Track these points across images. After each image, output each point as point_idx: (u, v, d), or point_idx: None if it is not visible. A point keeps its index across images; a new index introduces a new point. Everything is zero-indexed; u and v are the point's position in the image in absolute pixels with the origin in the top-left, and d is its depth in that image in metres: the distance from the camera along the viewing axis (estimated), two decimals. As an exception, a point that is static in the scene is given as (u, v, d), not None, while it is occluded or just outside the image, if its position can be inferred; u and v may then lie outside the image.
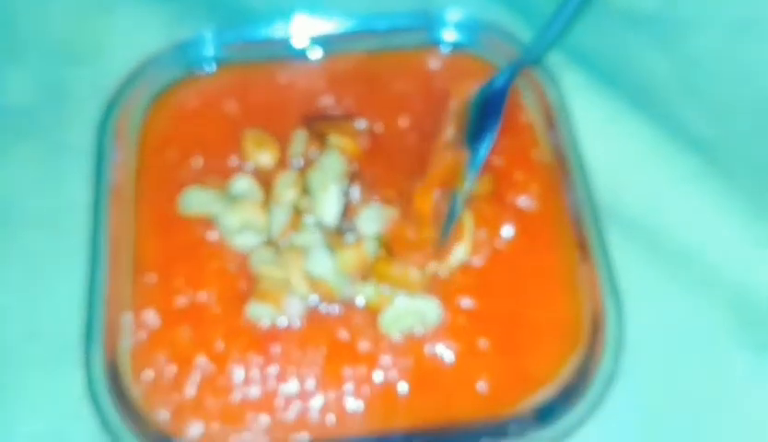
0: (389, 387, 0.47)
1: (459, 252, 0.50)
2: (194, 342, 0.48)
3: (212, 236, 0.51)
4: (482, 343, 0.48)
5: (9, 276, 0.51)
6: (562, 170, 0.52)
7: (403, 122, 0.54)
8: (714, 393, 0.48)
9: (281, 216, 0.50)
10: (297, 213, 0.51)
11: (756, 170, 0.55)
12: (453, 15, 0.57)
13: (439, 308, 0.48)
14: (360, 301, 0.49)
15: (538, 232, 0.51)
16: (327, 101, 0.55)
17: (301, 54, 0.57)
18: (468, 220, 0.50)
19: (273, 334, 0.48)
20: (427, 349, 0.48)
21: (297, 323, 0.48)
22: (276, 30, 0.57)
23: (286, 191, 0.51)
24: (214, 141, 0.54)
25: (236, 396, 0.46)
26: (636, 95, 0.57)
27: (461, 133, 0.53)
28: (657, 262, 0.52)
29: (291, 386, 0.47)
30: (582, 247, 0.50)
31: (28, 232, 0.53)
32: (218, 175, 0.52)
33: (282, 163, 0.53)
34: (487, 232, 0.51)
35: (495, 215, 0.51)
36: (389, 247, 0.50)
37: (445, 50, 0.57)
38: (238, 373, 0.47)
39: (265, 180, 0.52)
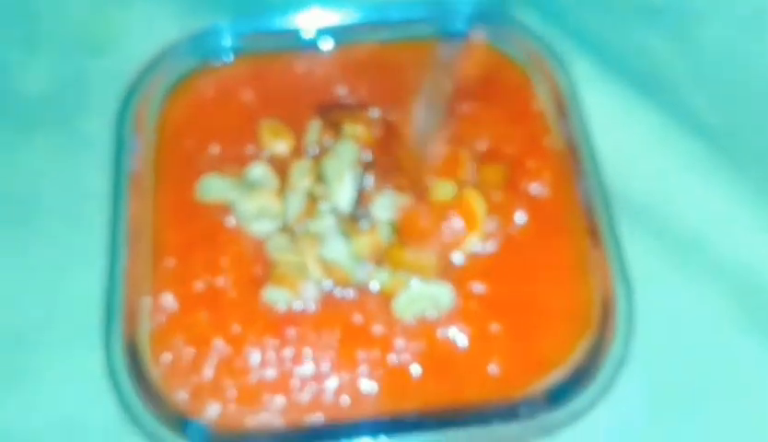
0: (402, 369, 0.47)
1: (472, 240, 0.51)
2: (212, 325, 0.48)
3: (229, 222, 0.51)
4: (494, 327, 0.49)
5: (31, 262, 0.52)
6: (573, 158, 0.53)
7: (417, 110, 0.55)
8: (722, 378, 0.49)
9: (296, 203, 0.51)
10: (312, 200, 0.51)
11: (765, 158, 0.55)
12: (466, 5, 0.58)
13: (452, 292, 0.49)
14: (374, 286, 0.50)
15: (549, 219, 0.52)
16: (341, 91, 0.56)
17: (316, 45, 0.58)
18: (480, 208, 0.51)
19: (289, 318, 0.49)
20: (440, 333, 0.48)
21: (313, 307, 0.49)
22: (292, 21, 0.57)
23: (301, 178, 0.52)
24: (230, 129, 0.54)
25: (252, 378, 0.47)
26: (647, 84, 0.57)
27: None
28: (667, 249, 0.52)
29: (306, 368, 0.47)
30: (593, 233, 0.50)
31: (49, 219, 0.54)
32: (235, 163, 0.53)
33: (297, 151, 0.54)
34: (499, 219, 0.51)
35: (508, 202, 0.52)
36: (403, 233, 0.51)
37: (458, 40, 0.58)
38: (254, 355, 0.48)
39: (281, 168, 0.53)
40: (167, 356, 0.48)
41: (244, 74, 0.57)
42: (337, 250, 0.49)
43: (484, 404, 0.47)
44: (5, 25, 0.61)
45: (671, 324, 0.50)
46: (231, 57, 0.57)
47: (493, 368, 0.48)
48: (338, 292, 0.49)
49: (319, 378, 0.47)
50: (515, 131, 0.54)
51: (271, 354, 0.48)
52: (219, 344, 0.48)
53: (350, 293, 0.49)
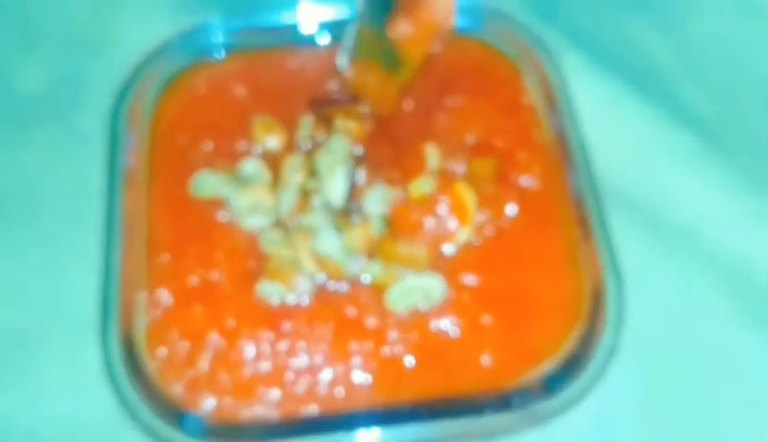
0: (395, 361, 0.48)
1: (463, 233, 0.51)
2: (207, 319, 0.49)
3: (222, 217, 0.52)
4: (486, 318, 0.49)
5: (27, 258, 0.53)
6: (563, 151, 0.53)
7: (407, 104, 0.55)
8: (712, 368, 0.49)
9: (289, 198, 0.51)
10: (305, 194, 0.52)
11: (755, 149, 0.56)
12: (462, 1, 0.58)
13: (444, 284, 0.49)
14: (366, 279, 0.50)
15: (540, 211, 0.52)
16: (333, 86, 0.56)
17: (308, 40, 0.58)
18: (470, 200, 0.51)
19: (283, 311, 0.49)
20: (432, 324, 0.49)
21: (306, 301, 0.49)
22: (284, 17, 0.58)
23: (294, 173, 0.52)
24: (223, 125, 0.55)
25: (247, 371, 0.48)
26: (637, 76, 0.58)
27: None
28: (658, 240, 0.53)
29: (301, 361, 0.48)
30: (583, 225, 0.51)
31: (45, 215, 0.54)
32: (228, 158, 0.53)
33: (289, 146, 0.54)
34: (490, 211, 0.52)
35: (498, 194, 0.52)
36: (395, 227, 0.51)
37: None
38: (249, 349, 0.48)
39: (273, 163, 0.53)
40: (162, 350, 0.48)
41: (236, 70, 0.57)
42: (330, 243, 0.50)
43: (477, 395, 0.47)
44: (2, 24, 0.61)
45: (662, 314, 0.50)
46: (223, 54, 0.58)
47: (485, 359, 0.48)
48: (331, 285, 0.50)
49: (313, 370, 0.48)
50: (505, 124, 0.54)
51: (265, 348, 0.48)
52: (214, 338, 0.48)
53: (343, 286, 0.50)
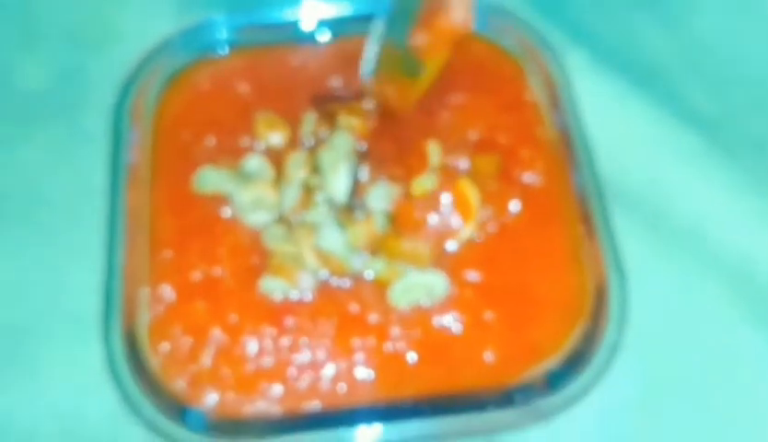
0: (397, 357, 0.48)
1: (467, 230, 0.51)
2: (209, 314, 0.49)
3: (225, 213, 0.52)
4: (489, 314, 0.49)
5: (30, 255, 0.53)
6: (567, 148, 0.53)
7: (410, 101, 0.55)
8: (714, 366, 0.49)
9: (292, 194, 0.51)
10: (308, 190, 0.52)
11: (758, 148, 0.56)
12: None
13: (446, 281, 0.49)
14: (369, 275, 0.50)
15: (543, 208, 0.52)
16: (336, 83, 0.57)
17: (311, 37, 0.58)
18: (474, 197, 0.51)
19: (286, 307, 0.49)
20: (435, 321, 0.49)
21: (309, 296, 0.49)
22: (287, 14, 0.58)
23: (297, 169, 0.52)
24: (226, 121, 0.55)
25: (250, 366, 0.48)
26: (640, 74, 0.58)
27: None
28: (660, 238, 0.53)
29: (303, 356, 0.48)
30: (586, 222, 0.51)
31: (47, 212, 0.54)
32: (231, 154, 0.53)
33: (292, 143, 0.54)
34: (494, 208, 0.52)
35: (502, 191, 0.52)
36: (398, 223, 0.51)
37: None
38: (251, 344, 0.48)
39: (276, 160, 0.53)
40: (165, 346, 0.48)
41: (240, 66, 0.57)
42: (333, 239, 0.50)
43: (480, 391, 0.47)
44: (3, 21, 0.61)
45: (664, 312, 0.50)
46: (227, 50, 0.58)
47: (488, 355, 0.48)
48: (334, 281, 0.50)
49: (315, 366, 0.48)
50: (508, 121, 0.54)
51: (268, 343, 0.48)
52: (217, 334, 0.49)
53: (346, 282, 0.50)
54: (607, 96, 0.57)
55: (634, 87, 0.58)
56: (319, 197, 0.51)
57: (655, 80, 0.58)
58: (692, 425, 0.48)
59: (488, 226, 0.51)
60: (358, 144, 0.53)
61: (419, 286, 0.49)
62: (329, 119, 0.54)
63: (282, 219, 0.51)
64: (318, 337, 0.48)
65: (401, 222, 0.51)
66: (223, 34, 0.57)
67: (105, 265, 0.50)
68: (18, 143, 0.57)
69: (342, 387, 0.47)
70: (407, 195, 0.52)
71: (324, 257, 0.50)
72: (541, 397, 0.47)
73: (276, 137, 0.54)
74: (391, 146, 0.54)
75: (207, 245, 0.51)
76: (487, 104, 0.55)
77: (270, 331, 0.48)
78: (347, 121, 0.54)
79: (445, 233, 0.51)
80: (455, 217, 0.51)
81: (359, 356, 0.48)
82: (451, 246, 0.51)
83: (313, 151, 0.53)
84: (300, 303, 0.49)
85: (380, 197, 0.52)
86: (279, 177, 0.53)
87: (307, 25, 0.58)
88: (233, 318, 0.49)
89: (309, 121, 0.54)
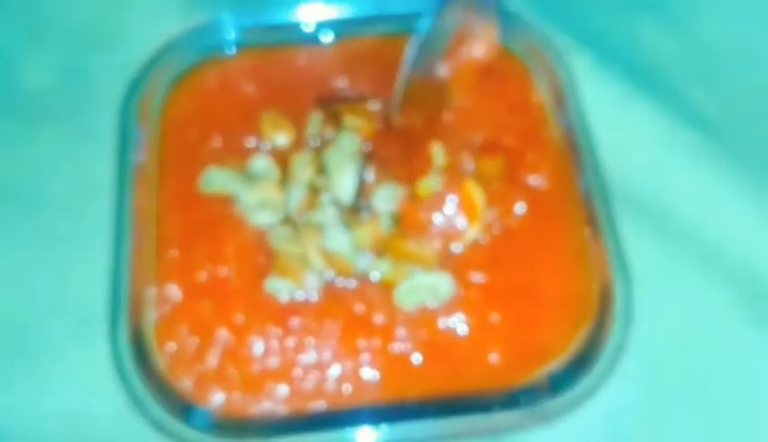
0: (403, 358, 0.48)
1: (472, 231, 0.51)
2: (216, 314, 0.49)
3: (231, 213, 0.52)
4: (495, 316, 0.49)
5: (38, 254, 0.53)
6: (572, 150, 0.53)
7: (416, 103, 0.56)
8: (719, 367, 0.50)
9: (297, 194, 0.52)
10: (313, 191, 0.52)
11: (762, 149, 0.56)
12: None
13: (452, 282, 0.50)
14: (375, 276, 0.50)
15: (549, 210, 0.52)
16: (342, 84, 0.57)
17: (318, 38, 0.58)
18: (479, 199, 0.51)
19: (292, 308, 0.49)
20: (441, 322, 0.49)
21: (315, 297, 0.50)
22: (294, 15, 0.58)
23: (303, 170, 0.52)
24: (233, 121, 0.55)
25: (256, 366, 0.48)
26: (645, 76, 0.58)
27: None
28: (665, 239, 0.53)
29: (309, 357, 0.48)
30: (592, 224, 0.51)
31: (55, 211, 0.54)
32: (237, 154, 0.54)
33: (298, 143, 0.54)
34: (499, 210, 0.52)
35: (507, 193, 0.52)
36: (404, 224, 0.51)
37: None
38: (257, 345, 0.48)
39: (282, 160, 0.53)
40: (171, 346, 0.49)
41: (246, 67, 0.57)
42: (338, 240, 0.50)
43: (485, 392, 0.47)
44: (11, 19, 0.61)
45: (669, 313, 0.50)
46: (234, 50, 0.58)
47: (493, 357, 0.48)
48: (339, 282, 0.50)
49: (321, 366, 0.48)
50: (514, 123, 0.55)
51: (274, 343, 0.48)
52: (223, 334, 0.49)
53: (351, 283, 0.50)
54: (612, 98, 0.57)
55: (639, 89, 0.58)
56: (324, 198, 0.52)
57: (659, 82, 0.58)
58: (697, 427, 0.48)
59: (493, 227, 0.51)
60: (364, 145, 0.53)
61: (425, 288, 0.49)
62: (334, 119, 0.54)
63: (287, 220, 0.52)
64: (323, 338, 0.48)
65: (406, 223, 0.51)
66: (230, 34, 0.58)
67: (111, 265, 0.50)
68: (25, 142, 0.57)
69: (347, 387, 0.48)
70: (413, 197, 0.52)
71: (330, 257, 0.50)
72: (546, 398, 0.47)
73: (282, 138, 0.54)
74: (397, 148, 0.54)
75: (214, 245, 0.51)
76: (493, 106, 0.55)
77: (276, 331, 0.49)
78: (353, 121, 0.54)
79: (450, 234, 0.51)
80: (460, 219, 0.51)
81: (365, 357, 0.48)
82: (457, 247, 0.51)
83: (319, 152, 0.53)
84: (306, 303, 0.49)
85: (386, 198, 0.52)
86: (285, 177, 0.53)
87: (313, 26, 0.58)
88: (239, 318, 0.49)
89: (315, 121, 0.54)
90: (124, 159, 0.53)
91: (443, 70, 0.53)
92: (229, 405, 0.47)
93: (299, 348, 0.48)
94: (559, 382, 0.47)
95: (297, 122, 0.55)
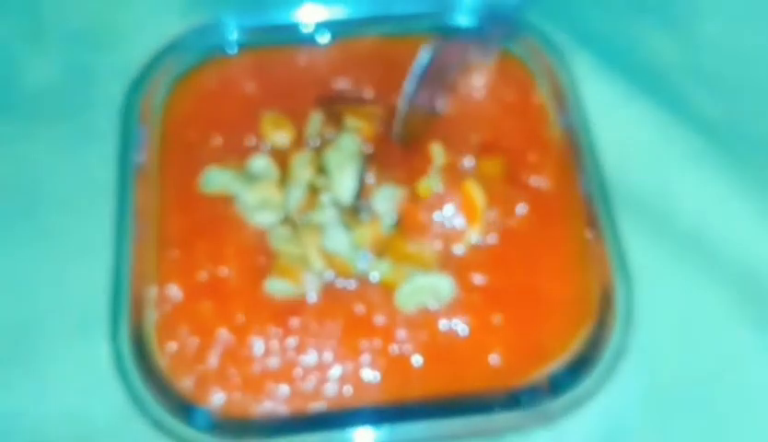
0: (403, 359, 0.48)
1: (472, 232, 0.51)
2: (216, 314, 0.49)
3: (232, 212, 0.52)
4: (495, 317, 0.49)
5: (39, 254, 0.53)
6: (573, 151, 0.53)
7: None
8: (720, 369, 0.49)
9: (297, 194, 0.51)
10: (313, 191, 0.52)
11: (764, 150, 0.56)
12: (468, 1, 0.58)
13: (453, 284, 0.49)
14: (375, 277, 0.50)
15: (550, 211, 0.52)
16: (342, 84, 0.57)
17: (318, 39, 0.58)
18: (480, 200, 0.51)
19: (292, 308, 0.49)
20: (441, 324, 0.49)
21: (315, 298, 0.50)
22: (295, 15, 0.58)
23: (303, 170, 0.52)
24: (233, 121, 0.55)
25: (256, 367, 0.48)
26: (645, 77, 0.58)
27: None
28: (666, 240, 0.53)
29: (309, 357, 0.48)
30: (593, 225, 0.51)
31: (55, 211, 0.54)
32: (237, 154, 0.53)
33: (298, 143, 0.54)
34: (500, 211, 0.52)
35: (507, 194, 0.52)
36: (404, 225, 0.51)
37: (462, 38, 0.58)
38: (258, 345, 0.48)
39: (282, 160, 0.53)
40: (172, 345, 0.49)
41: (247, 67, 0.57)
42: (338, 240, 0.50)
43: (485, 393, 0.47)
44: (12, 19, 0.61)
45: (670, 314, 0.50)
46: (235, 50, 0.58)
47: (494, 358, 0.48)
48: (339, 283, 0.50)
49: (322, 367, 0.48)
50: (515, 124, 0.55)
51: (274, 344, 0.48)
52: (223, 334, 0.49)
53: (351, 284, 0.50)
54: (613, 98, 0.57)
55: (640, 90, 0.58)
56: (324, 198, 0.52)
57: (660, 83, 0.58)
58: (698, 428, 0.48)
59: (494, 228, 0.51)
60: (364, 146, 0.53)
61: (425, 289, 0.49)
62: (335, 120, 0.54)
63: (287, 220, 0.52)
64: (324, 338, 0.48)
65: (406, 224, 0.51)
66: (231, 35, 0.57)
67: (112, 264, 0.50)
68: (26, 141, 0.57)
69: (348, 388, 0.48)
70: (413, 197, 0.52)
71: (329, 258, 0.50)
72: (547, 399, 0.47)
73: (282, 137, 0.54)
74: (397, 149, 0.54)
75: (214, 245, 0.51)
76: (494, 107, 0.55)
77: (276, 331, 0.49)
78: (354, 123, 0.54)
79: (450, 235, 0.51)
80: (460, 220, 0.51)
81: (365, 358, 0.48)
82: (458, 249, 0.51)
83: (319, 152, 0.53)
84: (306, 304, 0.49)
85: (386, 199, 0.52)
86: (285, 177, 0.53)
87: (314, 26, 0.58)
88: (239, 318, 0.49)
89: (315, 121, 0.54)
90: (125, 159, 0.53)
91: (442, 104, 0.54)
92: (230, 405, 0.47)
93: (300, 349, 0.48)
94: (560, 383, 0.47)
95: (298, 122, 0.55)
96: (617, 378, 0.47)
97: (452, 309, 0.49)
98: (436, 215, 0.51)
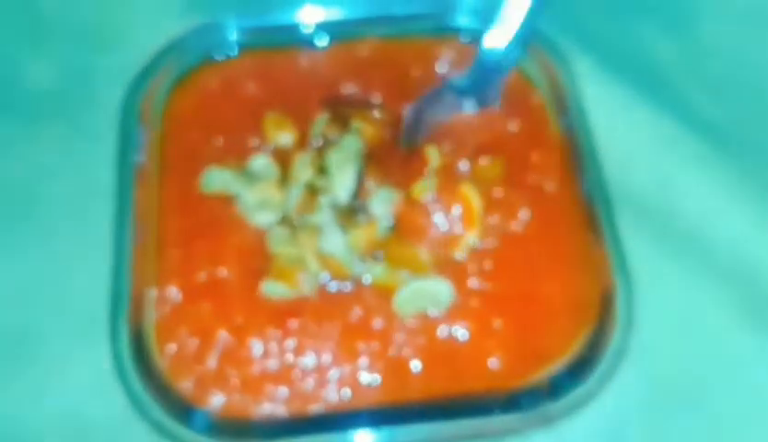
0: (402, 361, 0.48)
1: (470, 236, 0.51)
2: (215, 316, 0.49)
3: (232, 213, 0.52)
4: (495, 320, 0.49)
5: (38, 255, 0.53)
6: (574, 153, 0.53)
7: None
8: (720, 372, 0.49)
9: (297, 194, 0.51)
10: (312, 192, 0.52)
11: (764, 152, 0.56)
12: (469, 1, 0.58)
13: (452, 289, 0.49)
14: (368, 280, 0.50)
15: (550, 213, 0.52)
16: (344, 86, 0.57)
17: (319, 40, 0.58)
18: (477, 203, 0.51)
19: (291, 309, 0.49)
20: (441, 329, 0.49)
21: (313, 299, 0.49)
22: (296, 16, 0.58)
23: (303, 169, 0.52)
24: (234, 122, 0.55)
25: (255, 368, 0.48)
26: (646, 79, 0.58)
27: None
28: (666, 243, 0.53)
29: (308, 359, 0.48)
30: (593, 227, 0.51)
31: (55, 212, 0.54)
32: (238, 155, 0.53)
33: (301, 143, 0.54)
34: (499, 214, 0.52)
35: (507, 197, 0.52)
36: (401, 229, 0.51)
37: (463, 39, 0.58)
38: (256, 346, 0.48)
39: (284, 160, 0.53)
40: (171, 347, 0.48)
41: (248, 68, 0.57)
42: (335, 242, 0.50)
43: (485, 395, 0.47)
44: (12, 20, 0.61)
45: (670, 317, 0.50)
46: (236, 51, 0.58)
47: (493, 360, 0.48)
48: (336, 285, 0.50)
49: (320, 369, 0.48)
50: (515, 126, 0.54)
51: (273, 345, 0.48)
52: (222, 335, 0.49)
53: (347, 286, 0.50)
54: (613, 101, 0.57)
55: (640, 93, 0.58)
56: (323, 199, 0.51)
57: (661, 85, 0.58)
58: (698, 430, 0.48)
59: (494, 231, 0.51)
60: (366, 148, 0.53)
61: (424, 295, 0.49)
62: (341, 121, 0.54)
63: (286, 220, 0.51)
64: (322, 340, 0.48)
65: (403, 227, 0.51)
66: (232, 35, 0.58)
67: (112, 265, 0.50)
68: (26, 142, 0.57)
69: (346, 390, 0.47)
70: (410, 201, 0.51)
71: (326, 260, 0.50)
72: (547, 402, 0.47)
73: (285, 137, 0.54)
74: (395, 152, 0.54)
75: (213, 246, 0.51)
76: (494, 110, 0.55)
77: (275, 333, 0.48)
78: (359, 125, 0.53)
79: (448, 239, 0.51)
80: (458, 224, 0.51)
81: (363, 361, 0.48)
82: (456, 253, 0.51)
83: (320, 152, 0.53)
84: (304, 306, 0.49)
85: (383, 202, 0.51)
86: (285, 177, 0.53)
87: (314, 27, 0.58)
88: (238, 319, 0.49)
89: (321, 122, 0.54)
90: (125, 160, 0.53)
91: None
92: (229, 407, 0.47)
93: (298, 350, 0.48)
94: (560, 385, 0.47)
95: (300, 123, 0.54)
96: (617, 381, 0.47)
97: (451, 314, 0.49)
98: (433, 219, 0.51)
